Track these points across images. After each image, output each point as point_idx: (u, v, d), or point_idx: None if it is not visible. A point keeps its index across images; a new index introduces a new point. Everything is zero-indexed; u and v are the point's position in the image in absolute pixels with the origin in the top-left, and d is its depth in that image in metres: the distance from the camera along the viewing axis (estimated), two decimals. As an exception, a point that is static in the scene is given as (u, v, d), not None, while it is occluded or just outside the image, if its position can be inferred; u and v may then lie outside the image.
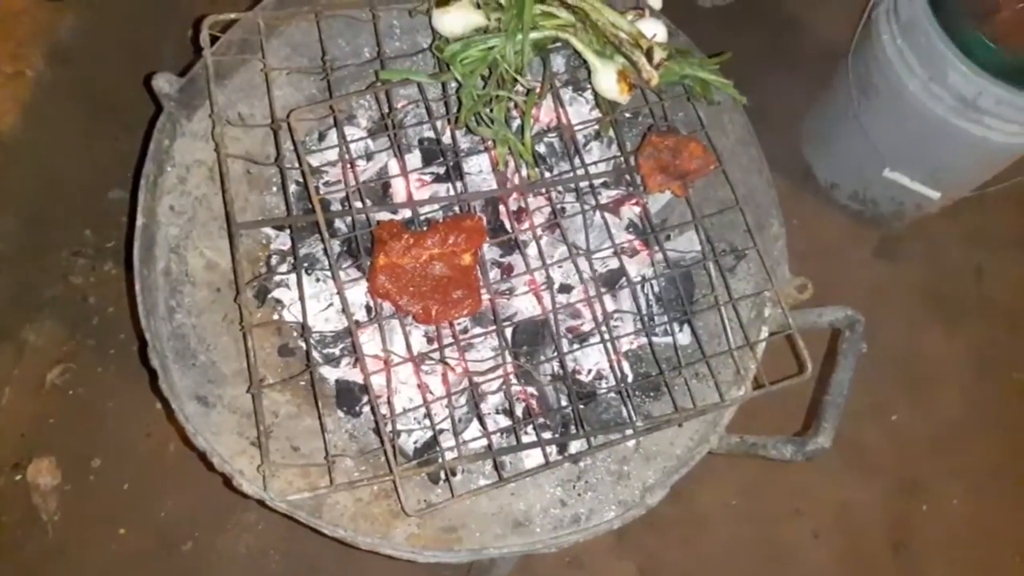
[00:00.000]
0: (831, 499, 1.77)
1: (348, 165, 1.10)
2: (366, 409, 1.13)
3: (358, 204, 1.13)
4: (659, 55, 1.13)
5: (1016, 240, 2.04)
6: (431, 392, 1.10)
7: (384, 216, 1.16)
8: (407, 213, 1.15)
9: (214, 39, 1.13)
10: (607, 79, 1.12)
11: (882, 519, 1.77)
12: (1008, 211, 2.01)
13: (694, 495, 1.70)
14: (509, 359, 1.07)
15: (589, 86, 1.28)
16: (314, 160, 1.22)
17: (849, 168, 1.93)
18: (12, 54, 1.50)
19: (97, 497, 1.63)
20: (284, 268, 1.19)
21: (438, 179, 1.22)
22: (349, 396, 1.13)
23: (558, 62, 1.27)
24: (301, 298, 1.03)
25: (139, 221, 1.09)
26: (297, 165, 1.11)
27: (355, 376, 1.14)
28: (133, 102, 1.76)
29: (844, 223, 2.01)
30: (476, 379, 1.06)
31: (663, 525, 1.67)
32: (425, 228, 1.07)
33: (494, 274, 1.18)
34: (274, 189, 1.24)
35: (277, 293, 1.18)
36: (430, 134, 1.26)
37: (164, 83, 1.11)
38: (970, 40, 1.47)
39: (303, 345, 1.18)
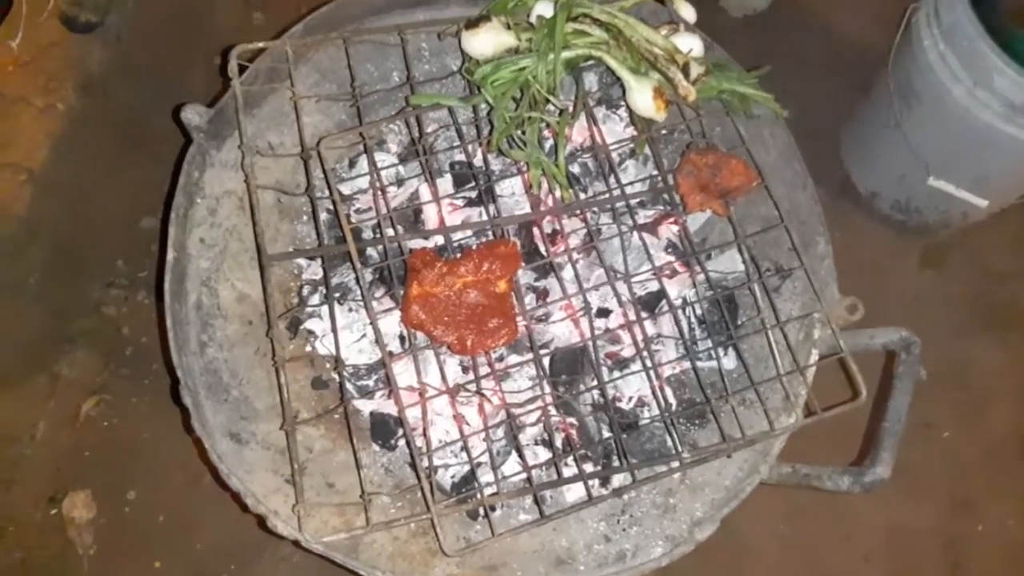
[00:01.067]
0: (882, 522, 1.70)
1: (379, 192, 1.07)
2: (402, 442, 1.10)
3: (390, 231, 1.10)
4: (696, 70, 1.09)
5: (1064, 246, 1.96)
6: (468, 424, 1.07)
7: (416, 243, 1.14)
8: (440, 239, 1.13)
9: (242, 68, 1.11)
10: (643, 96, 1.09)
11: (936, 541, 1.70)
12: (1055, 217, 1.93)
13: (739, 521, 1.61)
14: (548, 389, 1.03)
15: (623, 104, 1.25)
16: (345, 188, 1.20)
17: (891, 177, 1.86)
18: (43, 88, 1.51)
19: (132, 530, 1.62)
20: (316, 298, 1.17)
21: (470, 203, 1.19)
22: (384, 429, 1.10)
23: (590, 80, 1.24)
24: (334, 330, 1.00)
25: (169, 255, 1.07)
26: (328, 194, 1.09)
27: (390, 408, 1.11)
28: (163, 132, 1.77)
29: (886, 234, 1.94)
30: (514, 411, 1.02)
31: (707, 553, 1.58)
32: (459, 255, 1.04)
33: (529, 299, 1.15)
34: (305, 218, 1.23)
35: (309, 324, 1.16)
36: (461, 157, 1.24)
37: (193, 115, 1.09)
38: (1016, 43, 1.42)
39: (336, 377, 1.16)
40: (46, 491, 1.61)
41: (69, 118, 1.51)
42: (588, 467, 1.06)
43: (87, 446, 1.65)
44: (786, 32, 2.07)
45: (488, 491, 0.97)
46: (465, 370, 1.12)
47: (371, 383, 1.11)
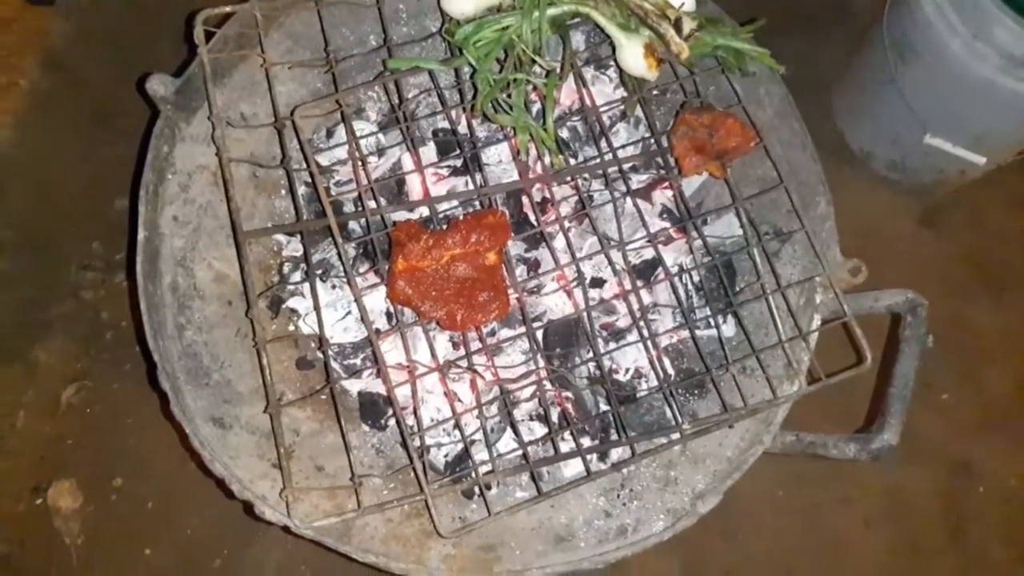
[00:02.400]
0: (881, 485, 1.68)
1: (359, 162, 1.02)
2: (392, 422, 1.07)
3: (372, 204, 1.05)
4: (688, 26, 1.04)
5: (1063, 203, 1.93)
6: (460, 401, 1.03)
7: (400, 216, 1.09)
8: (424, 211, 1.08)
9: (209, 35, 1.05)
10: (633, 55, 1.04)
11: (936, 504, 1.69)
12: (1052, 173, 1.90)
13: (737, 487, 1.61)
14: (542, 363, 0.99)
15: (613, 63, 1.20)
16: (323, 159, 1.15)
17: (886, 136, 1.82)
18: (4, 64, 1.44)
19: (120, 517, 1.59)
20: (298, 276, 1.12)
21: (455, 172, 1.14)
22: (373, 409, 1.06)
23: (577, 39, 1.18)
24: (317, 308, 0.96)
25: (140, 235, 1.02)
26: (305, 166, 1.04)
27: (378, 387, 1.07)
28: (132, 107, 1.69)
29: (883, 194, 1.91)
30: (508, 386, 0.98)
31: (706, 519, 1.60)
32: (445, 227, 0.99)
33: (520, 271, 1.10)
34: (283, 192, 1.17)
35: (292, 303, 1.12)
36: (445, 124, 1.18)
37: (159, 85, 1.03)
38: (1017, -9, 1.37)
39: (321, 357, 1.11)
40: (29, 482, 1.58)
41: (33, 95, 1.44)
42: (586, 442, 1.03)
43: (70, 434, 1.61)
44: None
45: (483, 470, 0.94)
46: (456, 346, 1.08)
47: (358, 362, 1.06)
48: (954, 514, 1.68)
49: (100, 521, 1.57)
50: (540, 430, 1.05)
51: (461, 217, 1.01)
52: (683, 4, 1.07)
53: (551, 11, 1.05)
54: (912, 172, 1.84)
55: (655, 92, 1.18)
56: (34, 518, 1.55)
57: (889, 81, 1.69)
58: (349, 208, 1.13)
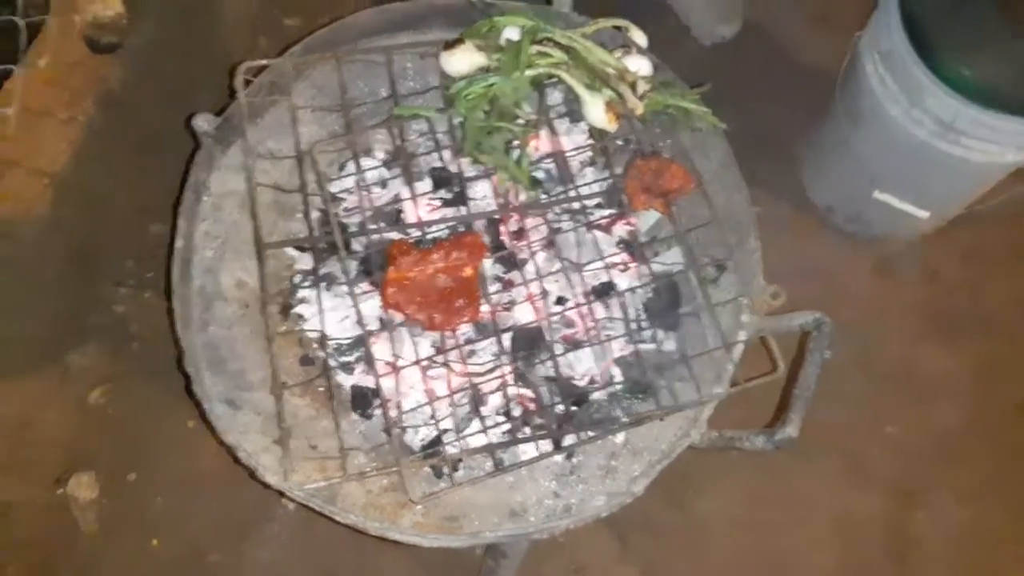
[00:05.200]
0: (832, 508, 1.82)
1: (364, 192, 1.22)
2: (378, 412, 1.24)
3: (372, 226, 1.25)
4: (643, 87, 1.25)
5: (1010, 256, 2.09)
6: (437, 396, 1.21)
7: (396, 236, 1.28)
8: (418, 234, 1.27)
9: (247, 83, 1.27)
10: (595, 110, 1.24)
11: (882, 528, 1.82)
12: (1001, 227, 2.06)
13: (695, 504, 1.77)
14: (507, 362, 1.17)
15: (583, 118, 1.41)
16: (334, 188, 1.35)
17: (843, 191, 2.01)
18: (67, 102, 1.66)
19: (132, 510, 1.73)
20: (306, 287, 1.31)
21: (446, 203, 1.34)
22: (363, 400, 1.23)
23: (555, 96, 1.39)
24: (320, 307, 1.15)
25: (178, 243, 1.22)
26: (319, 192, 1.24)
27: (368, 382, 1.25)
28: (173, 144, 1.92)
29: (841, 244, 2.08)
30: (476, 380, 1.16)
31: (665, 531, 1.74)
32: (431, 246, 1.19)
33: (496, 288, 1.29)
34: (298, 216, 1.38)
35: (299, 309, 1.30)
36: (439, 164, 1.39)
37: (203, 122, 1.25)
38: (945, 68, 1.57)
39: (322, 356, 1.30)
40: (53, 472, 1.72)
41: (89, 129, 1.66)
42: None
43: (92, 431, 1.76)
44: (753, 58, 2.23)
45: (452, 450, 1.11)
46: (438, 351, 1.25)
47: (352, 359, 1.24)
48: (899, 538, 1.81)
49: (114, 512, 1.72)
50: (505, 426, 1.22)
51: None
52: (639, 70, 1.28)
53: (529, 72, 1.26)
54: (867, 224, 2.02)
55: (619, 142, 1.38)
56: (54, 506, 1.70)
57: (843, 142, 1.89)
58: (353, 230, 1.32)
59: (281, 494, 1.10)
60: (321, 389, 1.24)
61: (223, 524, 1.74)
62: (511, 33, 1.29)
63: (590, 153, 1.37)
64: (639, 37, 1.36)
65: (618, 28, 1.39)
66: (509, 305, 1.28)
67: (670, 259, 1.33)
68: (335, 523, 1.11)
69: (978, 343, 2.01)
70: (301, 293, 1.30)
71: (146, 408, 1.81)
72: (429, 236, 1.25)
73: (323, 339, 1.15)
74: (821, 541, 1.79)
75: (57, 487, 1.72)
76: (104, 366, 1.83)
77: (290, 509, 1.71)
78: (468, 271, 1.16)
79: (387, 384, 1.15)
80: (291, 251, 1.36)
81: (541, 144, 1.39)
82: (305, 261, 1.35)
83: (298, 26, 2.19)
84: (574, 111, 1.40)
